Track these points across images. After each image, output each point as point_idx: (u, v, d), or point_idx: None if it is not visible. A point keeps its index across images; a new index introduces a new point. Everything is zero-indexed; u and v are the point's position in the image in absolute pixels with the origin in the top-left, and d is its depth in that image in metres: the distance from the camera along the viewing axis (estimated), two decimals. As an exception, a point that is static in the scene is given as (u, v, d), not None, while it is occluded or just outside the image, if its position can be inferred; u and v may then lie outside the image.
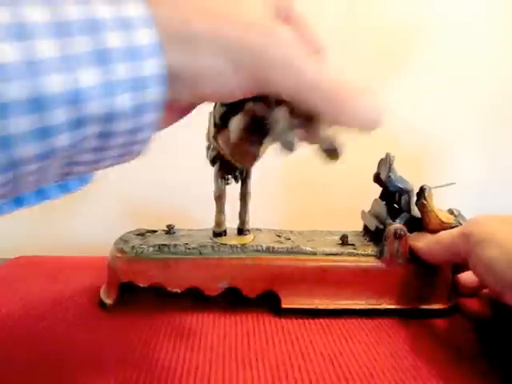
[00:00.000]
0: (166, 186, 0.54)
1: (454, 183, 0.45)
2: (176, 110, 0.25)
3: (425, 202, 0.43)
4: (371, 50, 0.61)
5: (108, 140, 0.21)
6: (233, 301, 0.42)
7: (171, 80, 0.21)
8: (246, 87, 0.24)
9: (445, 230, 0.44)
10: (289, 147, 0.27)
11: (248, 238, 0.44)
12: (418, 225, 0.44)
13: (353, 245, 0.44)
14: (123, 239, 0.44)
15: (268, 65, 0.23)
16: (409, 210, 0.44)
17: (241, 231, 0.44)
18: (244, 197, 0.44)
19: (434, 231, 0.44)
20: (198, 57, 0.22)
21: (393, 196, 0.45)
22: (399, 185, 0.43)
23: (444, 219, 0.43)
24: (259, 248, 0.42)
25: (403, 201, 0.44)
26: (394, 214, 0.44)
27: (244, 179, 0.43)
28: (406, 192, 0.44)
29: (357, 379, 0.33)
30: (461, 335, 0.40)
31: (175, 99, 0.23)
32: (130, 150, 0.23)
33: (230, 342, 0.37)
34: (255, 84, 0.24)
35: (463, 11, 0.62)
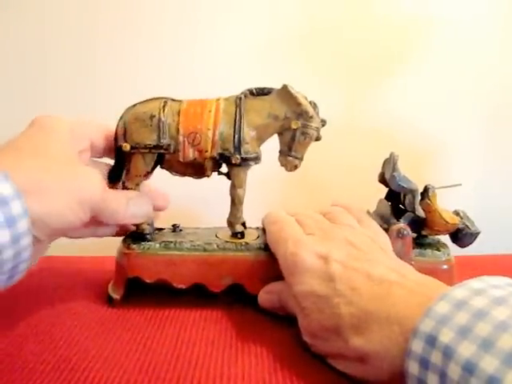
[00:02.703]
0: (173, 187, 0.55)
1: (460, 184, 0.45)
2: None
3: (428, 202, 0.43)
4: (372, 50, 0.62)
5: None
6: (236, 297, 0.43)
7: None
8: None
9: (449, 230, 0.44)
10: None
11: (253, 236, 0.45)
12: (422, 225, 0.44)
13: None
14: (131, 236, 0.46)
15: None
16: (413, 210, 0.44)
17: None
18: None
19: (439, 232, 0.45)
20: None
21: (398, 196, 0.46)
22: (402, 184, 0.44)
23: (448, 220, 0.44)
24: (263, 246, 0.43)
25: (407, 200, 0.44)
26: (398, 213, 0.45)
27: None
28: (410, 191, 0.44)
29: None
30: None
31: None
32: (16, 270, 0.32)
33: (230, 335, 0.38)
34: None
35: (463, 11, 0.62)
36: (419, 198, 0.44)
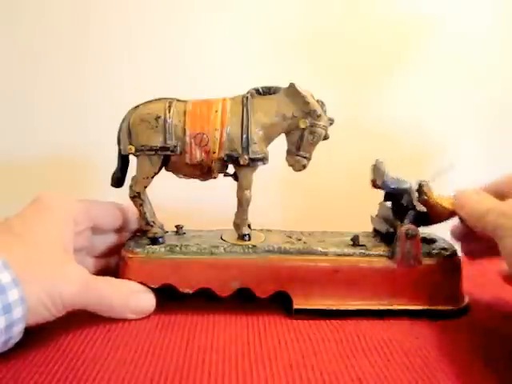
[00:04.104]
0: (170, 187, 0.54)
1: (453, 165, 0.44)
2: None
3: (426, 198, 0.43)
4: (373, 50, 0.61)
5: None
6: (244, 301, 0.42)
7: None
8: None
9: (454, 215, 0.43)
10: None
11: (259, 239, 0.44)
12: (426, 217, 0.44)
13: (364, 245, 0.44)
14: (134, 240, 0.45)
15: None
16: (413, 207, 0.43)
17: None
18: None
19: (444, 219, 0.44)
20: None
21: (395, 196, 0.45)
22: (395, 186, 0.44)
23: (450, 206, 0.43)
24: (271, 248, 0.42)
25: (405, 199, 0.44)
26: (400, 213, 0.44)
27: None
28: (404, 191, 0.44)
29: (370, 379, 0.33)
30: (472, 336, 0.39)
31: None
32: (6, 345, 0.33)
33: (242, 342, 0.37)
34: None
35: (465, 11, 0.62)
36: (416, 194, 0.44)
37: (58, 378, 0.32)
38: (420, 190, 0.44)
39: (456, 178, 0.63)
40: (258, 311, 0.42)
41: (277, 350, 0.36)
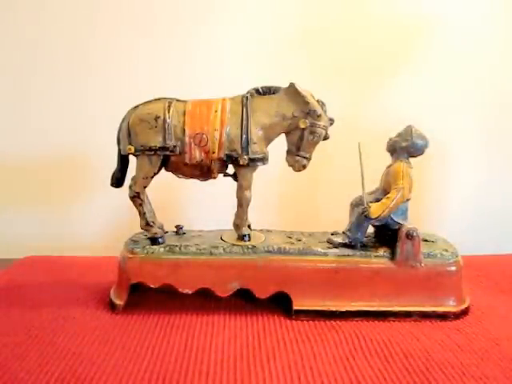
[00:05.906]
0: (170, 187, 0.54)
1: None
2: None
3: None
4: (372, 50, 0.61)
5: None
6: (244, 302, 0.42)
7: None
8: None
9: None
10: None
11: (259, 239, 0.44)
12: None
13: (364, 246, 0.43)
14: (134, 240, 0.44)
15: None
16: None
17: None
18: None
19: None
20: None
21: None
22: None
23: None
24: (270, 249, 0.42)
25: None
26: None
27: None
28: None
29: (369, 381, 0.33)
30: (473, 337, 0.39)
31: None
32: None
33: (241, 342, 0.37)
34: None
35: (464, 11, 0.62)
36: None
37: (55, 378, 0.32)
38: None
39: (456, 177, 0.63)
40: (257, 312, 0.42)
41: (276, 351, 0.36)
